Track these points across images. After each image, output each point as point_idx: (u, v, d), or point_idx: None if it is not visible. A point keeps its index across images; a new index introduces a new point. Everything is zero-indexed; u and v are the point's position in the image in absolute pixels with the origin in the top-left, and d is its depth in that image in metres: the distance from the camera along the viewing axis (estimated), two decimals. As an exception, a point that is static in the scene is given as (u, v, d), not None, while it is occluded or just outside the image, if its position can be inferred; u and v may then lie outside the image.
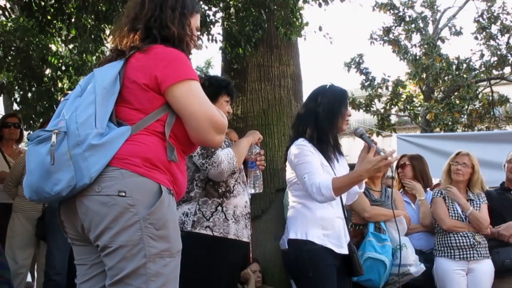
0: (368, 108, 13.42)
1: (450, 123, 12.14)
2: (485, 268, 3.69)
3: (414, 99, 14.15)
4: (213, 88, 2.72)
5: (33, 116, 6.60)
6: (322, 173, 2.61)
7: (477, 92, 12.50)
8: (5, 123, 4.86)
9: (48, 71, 6.79)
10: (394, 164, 3.42)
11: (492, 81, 13.12)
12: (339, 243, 2.68)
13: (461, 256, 3.69)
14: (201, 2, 5.47)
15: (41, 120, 6.23)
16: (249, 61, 5.44)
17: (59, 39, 6.71)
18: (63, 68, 6.70)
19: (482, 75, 12.82)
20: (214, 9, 5.74)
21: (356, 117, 19.34)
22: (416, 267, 3.50)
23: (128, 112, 1.74)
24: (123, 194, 1.62)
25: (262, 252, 4.73)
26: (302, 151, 2.67)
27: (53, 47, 7.04)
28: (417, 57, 12.99)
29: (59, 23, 5.84)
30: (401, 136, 6.25)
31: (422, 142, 5.91)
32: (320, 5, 5.78)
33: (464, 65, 12.53)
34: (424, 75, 12.58)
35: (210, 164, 2.60)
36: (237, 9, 5.54)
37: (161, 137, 1.74)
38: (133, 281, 1.63)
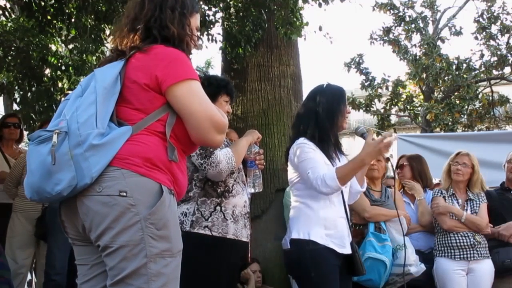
0: (368, 108, 13.42)
1: (450, 123, 12.14)
2: (485, 268, 3.69)
3: (414, 99, 14.14)
4: (212, 87, 2.72)
5: (33, 116, 6.59)
6: (326, 167, 2.61)
7: (477, 92, 12.50)
8: (5, 123, 4.86)
9: (48, 71, 6.78)
10: (395, 164, 3.43)
11: (492, 81, 13.12)
12: (342, 243, 2.67)
13: (461, 256, 3.69)
14: (201, 2, 5.47)
15: (41, 120, 6.23)
16: (249, 61, 5.45)
17: (59, 39, 6.71)
18: (63, 68, 6.69)
19: (482, 75, 12.83)
20: (214, 9, 5.75)
21: (356, 117, 19.34)
22: (416, 267, 3.50)
23: (128, 112, 1.74)
24: (124, 194, 1.62)
25: (262, 252, 4.73)
26: (304, 148, 2.67)
27: (53, 47, 7.03)
28: (417, 57, 12.99)
29: (59, 23, 5.84)
30: (401, 136, 6.25)
31: (422, 142, 5.91)
32: (320, 5, 5.78)
33: (464, 65, 12.53)
34: (424, 75, 12.58)
35: (209, 164, 2.60)
36: (237, 9, 5.54)
37: (161, 137, 1.74)
38: (134, 281, 1.63)
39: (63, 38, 6.33)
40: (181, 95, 1.73)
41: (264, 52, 5.48)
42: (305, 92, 5.78)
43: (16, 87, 6.98)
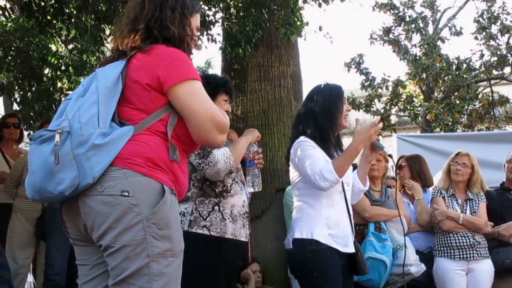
0: (368, 108, 13.41)
1: (450, 123, 12.13)
2: (485, 268, 3.69)
3: (414, 99, 14.13)
4: (210, 87, 2.72)
5: (33, 116, 6.60)
6: (324, 162, 2.61)
7: (477, 92, 12.48)
8: (5, 123, 4.86)
9: (48, 71, 6.78)
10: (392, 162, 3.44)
11: (492, 81, 13.11)
12: (345, 242, 2.67)
13: (461, 256, 3.69)
14: (201, 2, 5.47)
15: (41, 120, 6.23)
16: (249, 61, 5.45)
17: (59, 39, 6.71)
18: (63, 68, 6.69)
19: (482, 75, 12.81)
20: (214, 9, 5.75)
21: (356, 117, 19.27)
22: (416, 267, 3.50)
23: (130, 112, 1.74)
24: (126, 194, 1.62)
25: (262, 252, 4.73)
26: (304, 146, 2.68)
27: (53, 47, 7.03)
28: (417, 57, 12.99)
29: (59, 23, 5.84)
30: (401, 136, 6.25)
31: (422, 142, 5.91)
32: (320, 5, 5.79)
33: (464, 65, 12.52)
34: (424, 75, 12.57)
35: (207, 164, 2.60)
36: (237, 9, 5.54)
37: (163, 137, 1.74)
38: (136, 280, 1.63)
39: (63, 38, 6.33)
40: (182, 95, 1.73)
41: (264, 52, 5.48)
42: (305, 92, 5.78)
43: (16, 87, 6.98)
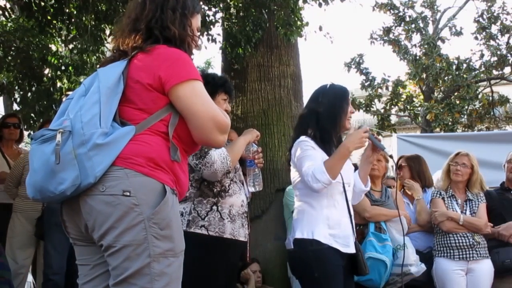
0: (368, 108, 13.42)
1: (450, 123, 12.13)
2: (485, 268, 3.69)
3: (414, 99, 14.13)
4: (209, 86, 2.71)
5: (33, 116, 6.60)
6: (320, 163, 2.61)
7: (477, 92, 12.48)
8: (5, 123, 4.85)
9: (48, 71, 6.78)
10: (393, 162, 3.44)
11: (492, 81, 13.11)
12: (346, 243, 2.66)
13: (461, 256, 3.69)
14: (201, 2, 5.47)
15: (41, 120, 6.24)
16: (249, 61, 5.45)
17: (59, 39, 6.71)
18: (63, 68, 6.70)
19: (482, 75, 12.81)
20: (214, 9, 5.75)
21: (356, 117, 19.32)
22: (417, 267, 3.50)
23: (131, 112, 1.74)
24: (128, 193, 1.62)
25: (262, 252, 4.73)
26: (303, 146, 2.68)
27: (53, 47, 7.03)
28: (417, 57, 12.99)
29: (59, 23, 5.83)
30: (401, 136, 6.25)
31: (422, 142, 5.92)
32: (320, 5, 5.79)
33: (464, 65, 12.52)
34: (424, 75, 12.57)
35: (203, 164, 2.60)
36: (237, 9, 5.54)
37: (164, 137, 1.74)
38: (138, 280, 1.63)
39: (63, 38, 6.33)
40: (184, 96, 1.73)
41: (264, 52, 5.48)
42: (305, 92, 5.80)
43: (16, 87, 6.98)
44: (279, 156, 5.10)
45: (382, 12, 13.81)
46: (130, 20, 1.88)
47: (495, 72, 13.01)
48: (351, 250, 2.69)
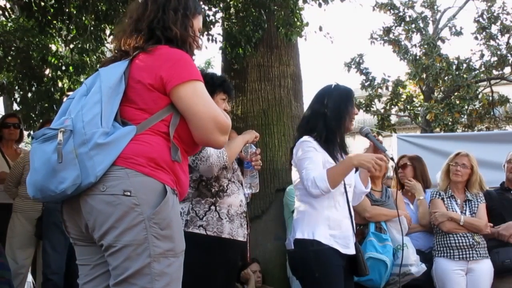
0: (368, 108, 13.42)
1: (450, 123, 12.12)
2: (485, 268, 3.69)
3: (414, 99, 14.13)
4: (207, 86, 2.71)
5: (33, 116, 6.60)
6: (321, 169, 2.61)
7: (477, 92, 12.48)
8: (4, 123, 4.85)
9: (48, 71, 6.78)
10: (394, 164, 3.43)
11: (492, 81, 13.11)
12: (346, 244, 2.66)
13: (461, 256, 3.69)
14: (201, 2, 5.47)
15: (41, 120, 6.23)
16: (249, 61, 5.45)
17: (59, 39, 6.72)
18: (63, 68, 6.70)
19: (482, 75, 12.81)
20: (214, 9, 5.75)
21: (356, 117, 19.25)
22: (417, 267, 3.50)
23: (132, 112, 1.75)
24: (128, 193, 1.62)
25: (262, 252, 4.73)
26: (305, 147, 2.67)
27: (53, 47, 7.03)
28: (417, 57, 12.98)
29: (59, 23, 5.83)
30: (401, 136, 6.24)
31: (422, 142, 5.91)
32: (320, 5, 5.79)
33: (464, 65, 12.52)
34: (424, 75, 12.56)
35: (199, 159, 2.61)
36: (237, 9, 5.54)
37: (165, 137, 1.75)
38: (138, 280, 1.63)
39: (63, 38, 6.33)
40: (185, 96, 1.74)
41: (264, 52, 5.48)
42: (305, 92, 5.80)
43: (16, 87, 6.98)
44: (279, 156, 5.10)
45: (382, 12, 13.81)
46: (132, 20, 1.89)
47: (495, 72, 13.01)
48: (351, 251, 2.69)
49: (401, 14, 13.75)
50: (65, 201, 1.73)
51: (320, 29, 6.04)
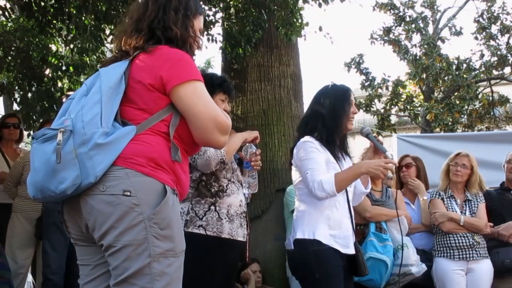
0: (368, 108, 13.40)
1: (450, 123, 12.11)
2: (484, 268, 3.69)
3: (414, 99, 14.12)
4: (206, 86, 2.71)
5: (33, 116, 6.60)
6: (326, 171, 2.60)
7: (477, 92, 12.46)
8: (4, 124, 4.85)
9: (48, 71, 6.79)
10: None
11: (492, 81, 13.10)
12: (346, 243, 2.66)
13: (461, 256, 3.69)
14: (201, 2, 5.47)
15: (41, 120, 6.23)
16: (249, 61, 5.45)
17: (59, 39, 6.72)
18: (63, 68, 6.70)
19: (482, 75, 12.80)
20: (214, 9, 5.75)
21: (356, 117, 19.25)
22: (417, 267, 3.50)
23: (133, 112, 1.75)
24: (128, 193, 1.62)
25: (262, 252, 4.73)
26: (307, 147, 2.66)
27: (53, 47, 7.04)
28: (417, 57, 12.97)
29: (59, 23, 5.84)
30: (401, 137, 6.24)
31: (422, 142, 5.91)
32: (320, 5, 5.78)
33: (464, 65, 12.51)
34: (424, 75, 12.55)
35: (197, 154, 2.60)
36: (237, 9, 5.54)
37: (165, 137, 1.75)
38: (138, 280, 1.63)
39: (63, 38, 6.33)
40: (185, 96, 1.74)
41: (264, 52, 5.48)
42: (305, 92, 5.80)
43: (16, 87, 6.98)
44: (279, 156, 5.10)
45: (382, 12, 13.81)
46: (133, 20, 1.89)
47: (495, 72, 13.00)
48: (351, 251, 2.69)
49: (401, 14, 13.74)
50: (66, 201, 1.73)
51: (320, 29, 6.03)
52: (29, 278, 5.18)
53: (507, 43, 12.81)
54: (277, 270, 4.68)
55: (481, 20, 13.33)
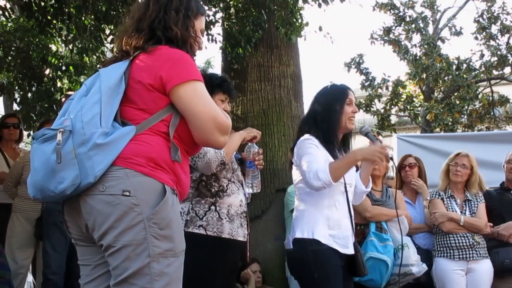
0: (368, 108, 13.42)
1: (450, 123, 12.13)
2: (484, 268, 3.69)
3: (414, 99, 14.14)
4: (206, 86, 2.71)
5: (33, 116, 6.60)
6: (323, 163, 2.59)
7: (477, 92, 12.48)
8: (4, 124, 4.85)
9: (48, 71, 6.79)
10: (396, 164, 3.42)
11: (492, 81, 13.11)
12: (345, 244, 2.66)
13: (461, 256, 3.69)
14: (201, 2, 5.46)
15: (41, 120, 6.23)
16: (249, 61, 5.45)
17: (59, 39, 6.72)
18: (63, 68, 6.70)
19: (482, 75, 12.81)
20: (214, 9, 5.76)
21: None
22: (418, 267, 3.50)
23: (132, 112, 1.75)
24: (127, 193, 1.62)
25: (262, 252, 4.73)
26: (306, 144, 2.67)
27: (53, 47, 7.04)
28: (417, 57, 12.98)
29: (59, 23, 5.84)
30: (401, 137, 6.24)
31: (422, 142, 5.91)
32: (320, 5, 5.79)
33: (464, 65, 12.52)
34: (424, 75, 12.56)
35: (197, 156, 2.61)
36: (237, 9, 5.54)
37: (165, 137, 1.75)
38: (137, 280, 1.63)
39: (63, 38, 6.33)
40: (185, 96, 1.74)
41: (264, 52, 5.48)
42: (305, 92, 5.81)
43: (16, 87, 6.98)
44: (279, 156, 5.10)
45: (382, 12, 13.82)
46: (134, 20, 1.89)
47: (495, 72, 13.01)
48: (350, 251, 2.68)
49: (401, 14, 13.76)
50: (66, 201, 1.74)
51: (320, 29, 6.04)
52: (29, 278, 5.18)
53: (507, 43, 12.82)
54: (277, 270, 4.68)
55: (481, 20, 13.34)
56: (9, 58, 6.56)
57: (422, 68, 12.33)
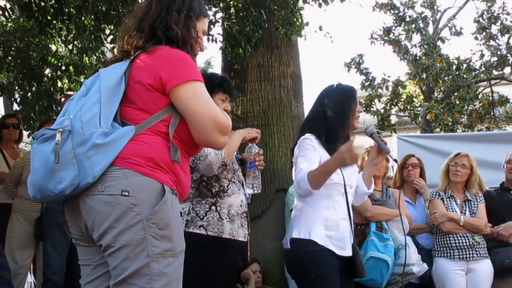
0: (368, 108, 13.41)
1: (450, 123, 12.12)
2: (484, 268, 3.70)
3: (414, 99, 14.13)
4: (206, 86, 2.71)
5: (33, 116, 6.60)
6: (312, 167, 2.56)
7: (477, 92, 12.48)
8: (4, 124, 4.85)
9: (48, 71, 6.79)
10: (396, 165, 3.40)
11: (492, 81, 13.11)
12: (342, 245, 2.64)
13: (461, 256, 3.70)
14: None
15: (41, 120, 6.23)
16: (249, 61, 5.46)
17: (59, 39, 6.72)
18: (63, 68, 6.70)
19: (482, 75, 12.81)
20: (214, 9, 5.75)
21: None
22: (418, 267, 3.50)
23: (132, 112, 1.75)
24: (126, 193, 1.62)
25: (262, 252, 4.74)
26: (304, 144, 2.66)
27: (53, 47, 7.04)
28: (417, 57, 12.98)
29: (59, 23, 5.84)
30: (401, 137, 6.24)
31: (422, 143, 5.91)
32: (320, 5, 5.79)
33: (464, 65, 12.51)
34: (424, 75, 12.56)
35: (198, 158, 2.61)
36: (237, 9, 5.54)
37: (164, 137, 1.74)
38: (137, 280, 1.63)
39: (63, 38, 6.33)
40: (185, 96, 1.73)
41: (264, 52, 5.48)
42: (305, 92, 5.80)
43: (16, 87, 6.98)
44: (279, 156, 5.10)
45: (382, 12, 13.82)
46: (136, 20, 1.90)
47: (495, 72, 13.01)
48: (347, 253, 2.65)
49: (401, 14, 13.75)
50: (66, 201, 1.74)
51: (320, 29, 6.03)
52: (30, 278, 5.18)
53: (507, 43, 12.82)
54: (277, 270, 4.68)
55: (481, 20, 13.34)
56: (9, 58, 6.56)
57: (422, 68, 12.33)
